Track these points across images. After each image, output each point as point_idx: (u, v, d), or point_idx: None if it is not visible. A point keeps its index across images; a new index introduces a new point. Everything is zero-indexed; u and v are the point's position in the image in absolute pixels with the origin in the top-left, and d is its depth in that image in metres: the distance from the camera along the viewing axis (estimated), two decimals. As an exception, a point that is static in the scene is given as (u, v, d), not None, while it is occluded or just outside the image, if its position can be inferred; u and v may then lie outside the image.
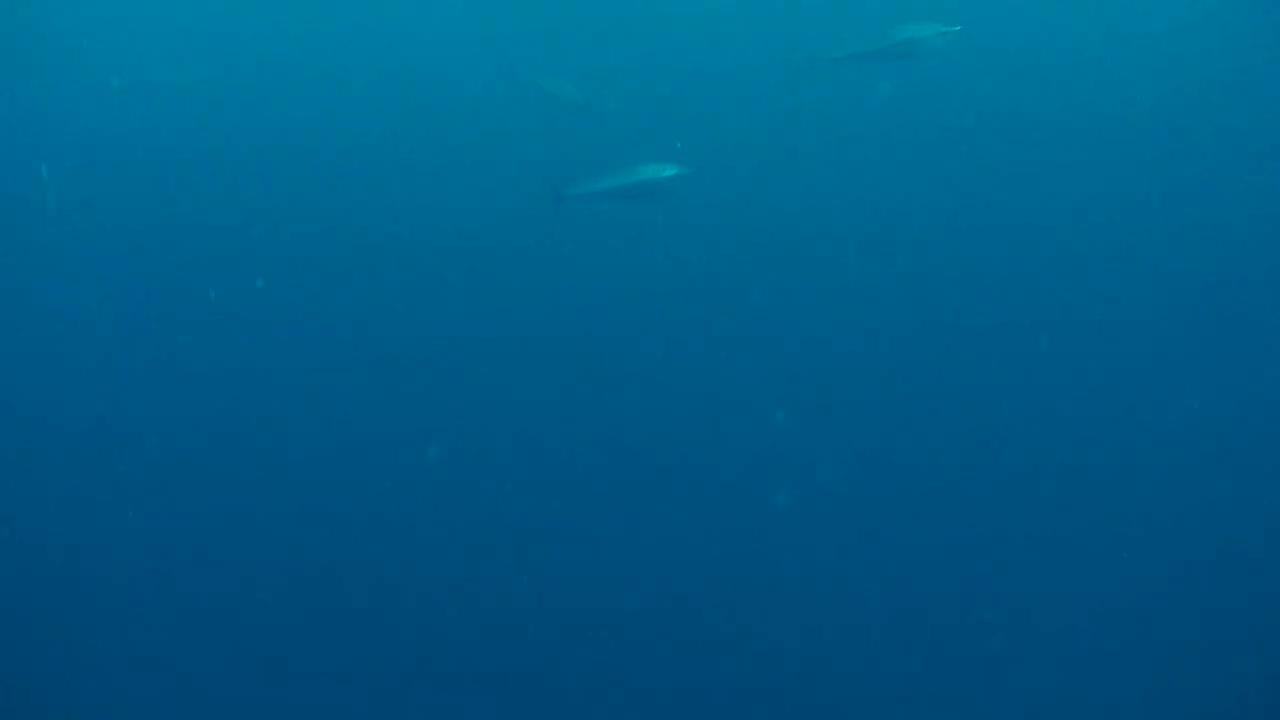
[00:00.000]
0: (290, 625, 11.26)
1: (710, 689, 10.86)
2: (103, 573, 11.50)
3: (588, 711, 10.87)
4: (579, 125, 12.57)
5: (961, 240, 13.04)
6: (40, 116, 14.36)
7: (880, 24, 10.26)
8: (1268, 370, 12.14)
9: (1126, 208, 12.99)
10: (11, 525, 11.62)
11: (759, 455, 11.98)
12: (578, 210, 10.53)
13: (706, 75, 13.64)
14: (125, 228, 13.63)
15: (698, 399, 12.38)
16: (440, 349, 12.84)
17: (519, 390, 12.55)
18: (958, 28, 10.10)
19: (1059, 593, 11.28)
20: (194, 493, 12.03)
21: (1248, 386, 12.12)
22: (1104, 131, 13.18)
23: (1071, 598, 11.22)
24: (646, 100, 13.24)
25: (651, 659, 11.05)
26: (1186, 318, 12.43)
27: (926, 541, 11.63)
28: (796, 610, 11.27)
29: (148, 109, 14.31)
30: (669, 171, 10.36)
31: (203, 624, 11.23)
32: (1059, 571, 11.38)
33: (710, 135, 12.86)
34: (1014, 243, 13.02)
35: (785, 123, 13.26)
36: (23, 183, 13.89)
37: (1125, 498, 11.68)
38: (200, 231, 13.55)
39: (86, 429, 12.44)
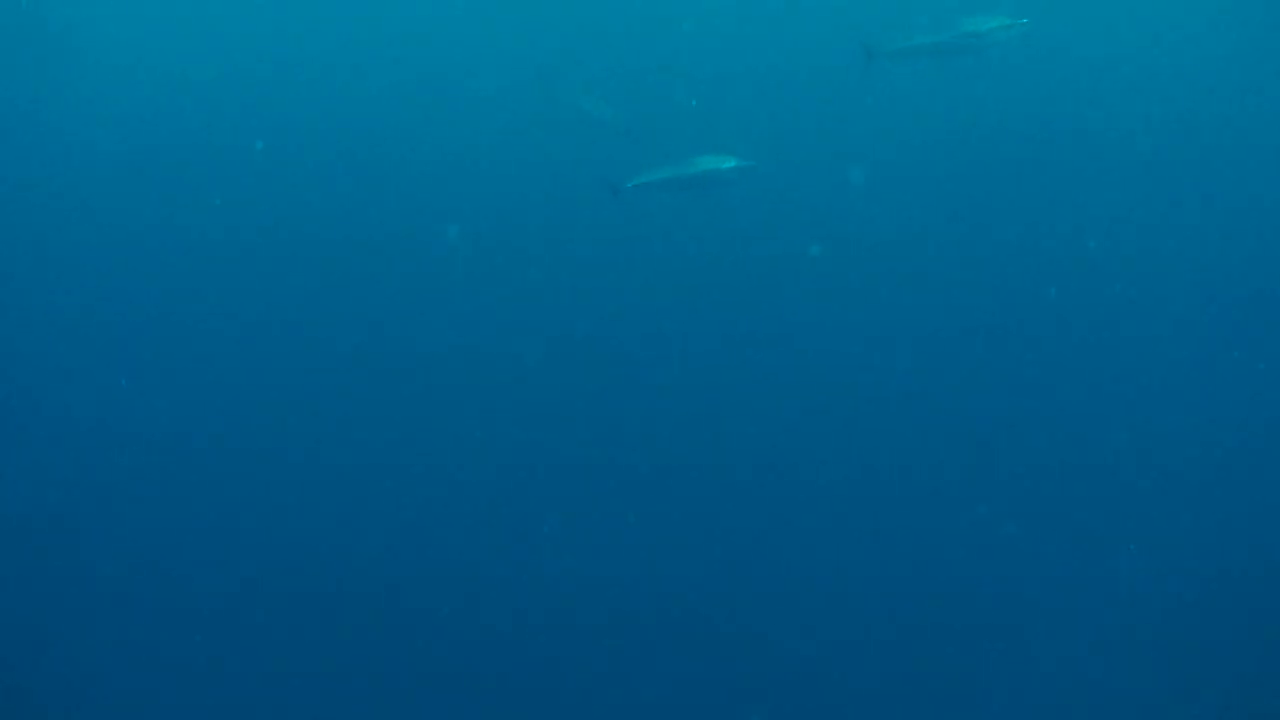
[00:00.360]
0: (289, 621, 11.10)
1: (711, 689, 10.71)
2: (101, 564, 11.31)
3: (588, 711, 10.67)
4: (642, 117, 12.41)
5: (1028, 239, 13.01)
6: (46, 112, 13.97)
7: (943, 16, 10.08)
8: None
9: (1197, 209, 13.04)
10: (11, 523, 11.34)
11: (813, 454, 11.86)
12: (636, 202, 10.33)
13: (763, 70, 13.54)
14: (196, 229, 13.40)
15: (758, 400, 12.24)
16: (456, 355, 12.68)
17: (538, 390, 12.40)
18: (1024, 20, 9.89)
19: (1060, 593, 11.27)
20: (194, 492, 11.83)
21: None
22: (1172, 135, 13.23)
23: (1073, 598, 11.22)
24: (704, 96, 13.10)
25: (653, 658, 10.90)
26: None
27: (952, 547, 11.58)
28: (810, 613, 11.13)
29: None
30: (729, 163, 10.19)
31: (200, 619, 11.04)
32: (1061, 573, 11.38)
33: (768, 130, 12.72)
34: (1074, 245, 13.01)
35: (844, 118, 13.17)
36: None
37: (1142, 500, 11.66)
38: (247, 234, 13.38)
39: (88, 426, 12.22)
